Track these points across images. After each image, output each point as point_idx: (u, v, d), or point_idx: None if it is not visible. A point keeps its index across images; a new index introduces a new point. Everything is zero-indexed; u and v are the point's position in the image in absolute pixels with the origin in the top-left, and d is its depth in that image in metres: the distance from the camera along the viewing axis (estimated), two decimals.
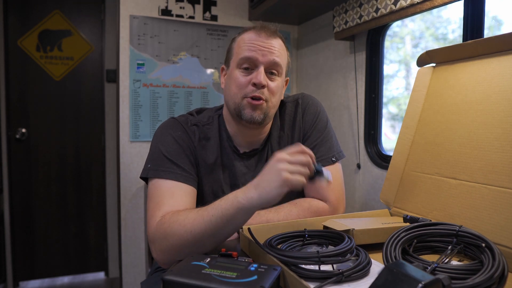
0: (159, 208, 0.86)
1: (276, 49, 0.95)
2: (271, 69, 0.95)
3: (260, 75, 0.92)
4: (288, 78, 1.07)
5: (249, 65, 0.94)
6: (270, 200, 0.70)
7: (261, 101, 0.94)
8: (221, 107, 1.09)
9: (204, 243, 0.76)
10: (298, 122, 1.07)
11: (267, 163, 0.99)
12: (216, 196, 1.01)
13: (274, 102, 0.98)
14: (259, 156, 1.05)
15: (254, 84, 0.93)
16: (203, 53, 2.14)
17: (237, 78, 0.95)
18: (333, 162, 1.03)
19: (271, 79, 0.96)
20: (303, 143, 1.05)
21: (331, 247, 0.75)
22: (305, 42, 2.30)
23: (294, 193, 1.08)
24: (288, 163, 0.70)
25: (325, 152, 1.03)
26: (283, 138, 1.06)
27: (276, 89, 0.97)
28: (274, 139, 1.06)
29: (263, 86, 0.93)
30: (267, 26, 0.98)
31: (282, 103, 1.10)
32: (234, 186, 1.03)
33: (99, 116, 2.66)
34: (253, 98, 0.93)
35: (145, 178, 0.97)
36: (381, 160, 1.71)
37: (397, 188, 1.02)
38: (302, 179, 0.70)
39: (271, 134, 1.06)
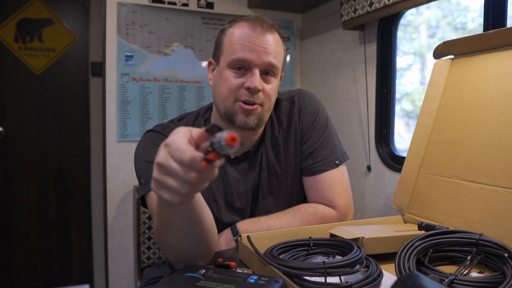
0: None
1: (273, 47, 0.93)
2: (267, 70, 0.94)
3: (255, 79, 0.91)
4: (283, 73, 1.06)
5: (243, 66, 0.93)
6: None
7: (256, 105, 0.93)
8: (208, 108, 1.08)
9: (178, 246, 0.74)
10: (294, 122, 1.06)
11: (259, 168, 0.97)
12: (209, 205, 1.01)
13: (270, 105, 0.98)
14: (251, 159, 1.04)
15: (248, 88, 0.92)
16: (197, 44, 2.15)
17: (228, 80, 0.94)
18: (337, 165, 1.03)
19: (266, 81, 0.95)
20: (301, 146, 1.05)
21: (338, 257, 0.75)
22: (310, 32, 2.30)
23: (296, 199, 1.08)
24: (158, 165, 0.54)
25: (327, 155, 1.03)
26: (278, 140, 1.06)
27: (272, 91, 0.96)
28: (268, 141, 1.05)
29: (258, 91, 0.92)
30: (262, 19, 0.95)
31: (277, 101, 1.08)
32: (228, 194, 1.03)
33: (84, 113, 2.67)
34: (246, 102, 0.93)
35: (143, 197, 0.96)
36: (394, 161, 1.71)
37: (411, 193, 1.02)
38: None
39: (264, 135, 1.05)
